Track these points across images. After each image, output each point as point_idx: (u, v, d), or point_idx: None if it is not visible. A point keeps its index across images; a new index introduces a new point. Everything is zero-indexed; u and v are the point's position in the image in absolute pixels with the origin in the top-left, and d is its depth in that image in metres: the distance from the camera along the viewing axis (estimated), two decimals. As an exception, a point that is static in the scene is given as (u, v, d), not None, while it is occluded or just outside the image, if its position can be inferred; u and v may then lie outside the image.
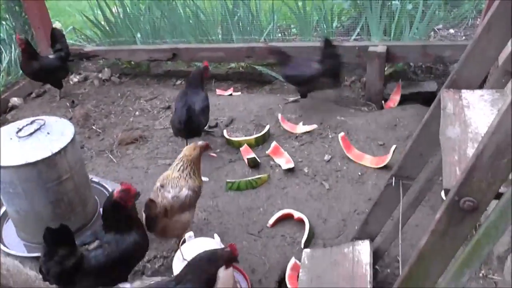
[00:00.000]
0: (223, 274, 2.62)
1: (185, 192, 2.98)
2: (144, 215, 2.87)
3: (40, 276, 2.83)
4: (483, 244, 1.51)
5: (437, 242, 1.60)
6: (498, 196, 1.46)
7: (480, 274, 2.92)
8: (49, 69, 5.12)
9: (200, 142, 3.13)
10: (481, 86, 2.10)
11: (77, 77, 5.94)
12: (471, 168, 1.41)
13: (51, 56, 5.20)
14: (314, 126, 4.45)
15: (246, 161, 4.06)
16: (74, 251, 2.45)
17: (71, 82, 5.89)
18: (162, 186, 3.04)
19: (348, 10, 5.98)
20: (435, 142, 2.01)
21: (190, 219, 3.11)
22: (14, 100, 5.38)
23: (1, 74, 5.50)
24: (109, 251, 2.50)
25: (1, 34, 5.73)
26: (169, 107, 5.10)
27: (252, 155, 4.05)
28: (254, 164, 4.02)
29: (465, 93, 1.97)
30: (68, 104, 5.30)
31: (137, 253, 2.65)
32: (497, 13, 1.75)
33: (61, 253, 2.39)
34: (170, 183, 3.03)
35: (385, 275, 2.99)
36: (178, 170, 3.05)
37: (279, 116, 4.59)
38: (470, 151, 1.65)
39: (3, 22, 5.74)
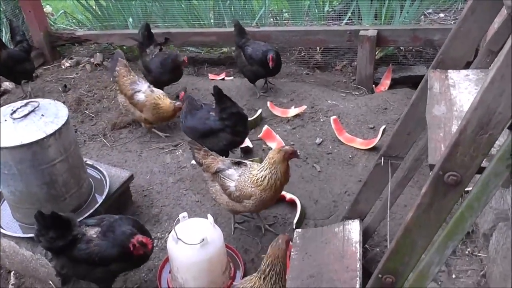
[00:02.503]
0: (217, 253, 2.69)
1: (231, 183, 2.97)
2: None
3: (36, 257, 2.90)
4: (466, 216, 1.57)
5: (423, 216, 1.66)
6: (480, 170, 1.51)
7: (466, 252, 3.00)
8: (17, 60, 4.84)
9: (286, 147, 2.95)
10: (468, 66, 2.15)
11: (69, 61, 5.93)
12: (454, 143, 1.46)
13: (15, 49, 4.92)
14: (304, 107, 4.50)
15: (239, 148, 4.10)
16: (64, 235, 2.53)
17: (63, 67, 5.87)
18: (239, 164, 3.06)
19: (339, -6, 6.00)
20: (422, 121, 2.07)
21: (234, 208, 3.08)
22: (6, 85, 5.37)
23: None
24: (91, 250, 2.56)
25: (-8, 18, 5.70)
26: (161, 92, 5.12)
27: (245, 144, 4.10)
28: (246, 151, 4.07)
29: (451, 73, 2.02)
30: (60, 88, 5.30)
31: (116, 265, 2.64)
32: (482, -6, 1.80)
33: (51, 234, 2.52)
34: (241, 168, 3.03)
35: (374, 253, 3.06)
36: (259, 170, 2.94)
37: (268, 103, 4.64)
38: (455, 128, 1.70)
39: (-6, 6, 5.70)
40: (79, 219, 2.72)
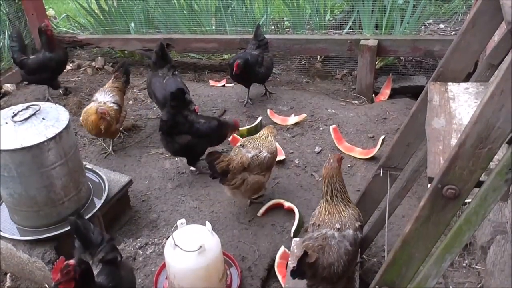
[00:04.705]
0: (214, 261, 2.69)
1: (264, 153, 3.33)
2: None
3: (33, 260, 2.90)
4: (464, 230, 1.58)
5: (421, 228, 1.67)
6: (479, 184, 1.52)
7: (464, 264, 3.00)
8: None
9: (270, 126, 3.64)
10: (467, 79, 2.17)
11: (70, 65, 5.93)
12: (453, 156, 1.47)
13: None
14: (304, 115, 4.51)
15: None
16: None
17: (64, 70, 5.87)
18: (242, 146, 3.33)
19: (340, 4, 6.02)
20: (422, 133, 2.09)
21: (266, 182, 3.46)
22: (7, 86, 5.38)
23: (-6, 60, 5.49)
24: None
25: (-6, 20, 5.70)
26: (162, 97, 5.13)
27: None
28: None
29: (451, 85, 2.03)
30: (61, 91, 5.30)
31: None
32: (482, 9, 1.81)
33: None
34: (251, 144, 3.37)
35: (372, 264, 3.06)
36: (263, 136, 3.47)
37: (268, 111, 4.65)
38: (454, 141, 1.72)
39: (-3, 8, 5.71)
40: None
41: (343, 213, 2.51)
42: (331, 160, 2.54)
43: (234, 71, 4.50)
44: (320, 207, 2.58)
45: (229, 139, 4.26)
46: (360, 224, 2.54)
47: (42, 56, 4.90)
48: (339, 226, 2.47)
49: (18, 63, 4.92)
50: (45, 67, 4.92)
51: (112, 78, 4.41)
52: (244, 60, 4.51)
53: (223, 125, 3.86)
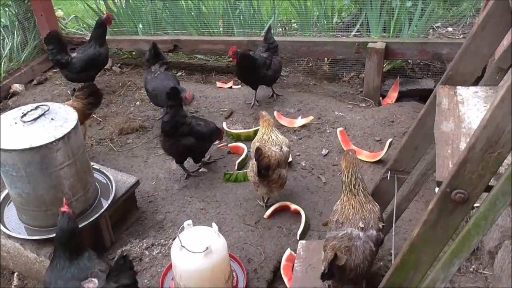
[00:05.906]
0: (220, 262, 2.69)
1: (285, 148, 3.44)
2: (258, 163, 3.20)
3: (40, 259, 2.91)
4: (473, 234, 1.57)
5: (429, 232, 1.66)
6: (488, 189, 1.51)
7: (471, 269, 2.98)
8: None
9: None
10: (476, 83, 2.16)
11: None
12: (463, 160, 1.47)
13: None
14: (311, 118, 4.51)
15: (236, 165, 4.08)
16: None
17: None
18: (259, 148, 3.24)
19: (348, 7, 6.02)
20: (430, 136, 2.08)
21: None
22: (16, 87, 5.41)
23: (3, 60, 5.51)
24: None
25: (4, 20, 5.73)
26: (169, 98, 5.14)
27: (240, 157, 4.11)
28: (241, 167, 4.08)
29: (460, 89, 2.03)
30: (69, 92, 5.33)
31: None
32: (492, 12, 1.81)
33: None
34: (269, 143, 3.42)
35: (378, 267, 3.05)
36: (269, 133, 3.49)
37: (275, 113, 4.65)
38: (463, 145, 1.72)
39: (6, 9, 5.74)
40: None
41: (364, 205, 2.48)
42: (350, 153, 2.56)
43: (233, 60, 4.55)
44: (343, 201, 2.54)
45: (229, 146, 4.27)
46: (383, 224, 2.51)
47: (93, 51, 4.98)
48: (363, 225, 2.43)
49: (63, 64, 4.92)
50: (94, 63, 5.03)
51: (73, 97, 4.05)
52: (243, 52, 4.54)
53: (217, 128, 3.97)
